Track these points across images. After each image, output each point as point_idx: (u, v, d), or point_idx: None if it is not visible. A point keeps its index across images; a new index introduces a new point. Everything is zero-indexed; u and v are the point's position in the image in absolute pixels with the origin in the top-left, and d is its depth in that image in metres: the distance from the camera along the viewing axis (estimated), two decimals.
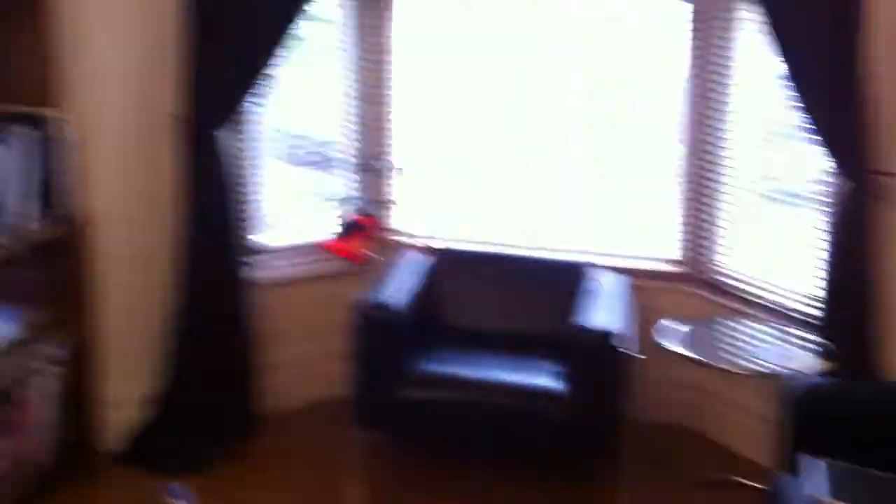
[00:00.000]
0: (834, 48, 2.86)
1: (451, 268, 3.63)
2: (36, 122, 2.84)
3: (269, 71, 3.22)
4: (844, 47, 2.83)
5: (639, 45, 3.73)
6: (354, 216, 3.70)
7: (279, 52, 3.21)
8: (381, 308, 3.15)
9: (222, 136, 3.22)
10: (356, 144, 3.79)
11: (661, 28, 3.64)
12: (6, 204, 2.76)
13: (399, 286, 3.34)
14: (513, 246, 3.77)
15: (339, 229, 3.67)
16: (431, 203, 3.93)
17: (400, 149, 3.82)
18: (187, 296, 3.28)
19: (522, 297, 3.55)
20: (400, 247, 3.78)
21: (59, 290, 3.06)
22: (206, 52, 3.12)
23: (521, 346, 3.33)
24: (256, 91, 3.24)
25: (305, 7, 3.21)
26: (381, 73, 3.74)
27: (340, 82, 3.74)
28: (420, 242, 3.78)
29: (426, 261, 3.61)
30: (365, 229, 3.66)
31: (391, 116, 3.78)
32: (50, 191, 2.93)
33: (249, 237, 3.44)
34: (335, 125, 3.79)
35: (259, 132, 3.54)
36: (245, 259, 3.39)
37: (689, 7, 3.46)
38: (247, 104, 3.27)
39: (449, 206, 3.96)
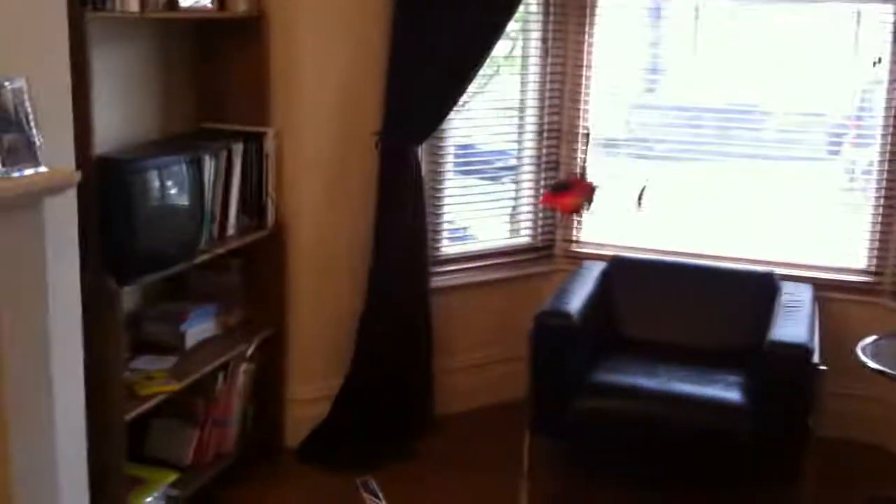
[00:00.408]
0: None
1: (631, 277, 3.57)
2: (247, 138, 3.12)
3: (468, 87, 3.36)
4: None
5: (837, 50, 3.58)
6: (565, 178, 3.80)
7: (479, 69, 3.34)
8: (560, 315, 3.12)
9: (418, 150, 3.37)
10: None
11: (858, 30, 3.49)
12: (213, 212, 2.98)
13: (579, 295, 3.30)
14: (695, 255, 3.68)
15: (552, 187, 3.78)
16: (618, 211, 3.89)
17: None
18: (374, 301, 3.39)
19: (704, 307, 3.45)
20: (583, 257, 3.78)
21: (255, 292, 3.24)
22: (409, 72, 3.26)
23: (701, 359, 3.22)
24: (456, 107, 3.39)
25: (507, 24, 3.34)
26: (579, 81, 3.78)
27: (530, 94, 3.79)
28: (604, 251, 3.77)
29: (606, 270, 3.57)
30: (575, 187, 3.71)
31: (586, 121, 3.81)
32: (252, 200, 3.15)
33: (435, 246, 3.57)
34: (520, 135, 3.84)
35: (448, 144, 3.65)
36: (430, 268, 3.50)
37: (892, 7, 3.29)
38: (445, 120, 3.41)
39: (633, 214, 3.89)
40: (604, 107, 3.82)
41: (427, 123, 3.38)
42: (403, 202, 3.35)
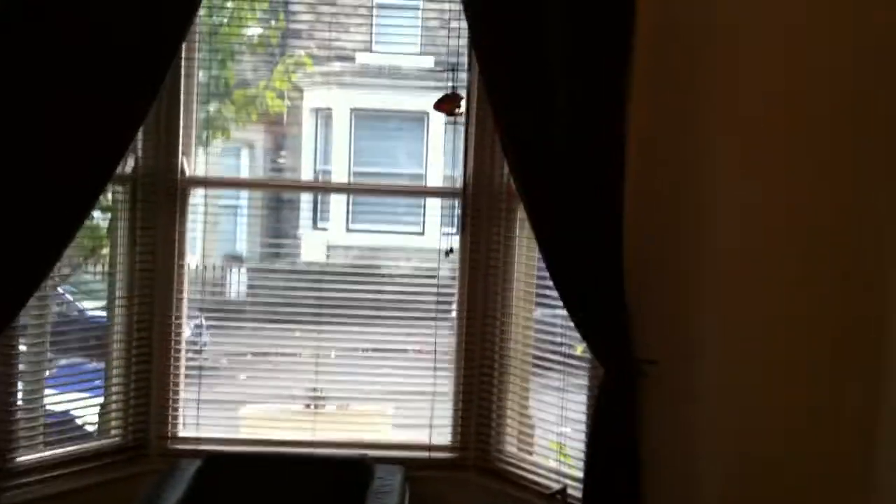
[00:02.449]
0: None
1: (226, 473, 3.39)
2: None
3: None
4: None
5: None
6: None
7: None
8: None
9: None
10: None
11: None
12: None
13: (167, 500, 3.09)
14: (294, 443, 3.62)
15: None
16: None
17: None
18: None
19: (297, 499, 3.37)
20: (179, 454, 3.53)
21: None
22: None
23: None
24: None
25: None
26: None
27: None
28: (201, 445, 3.56)
29: (200, 468, 3.38)
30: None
31: None
32: None
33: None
34: None
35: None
36: None
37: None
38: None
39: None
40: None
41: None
42: None
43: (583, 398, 3.23)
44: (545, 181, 2.96)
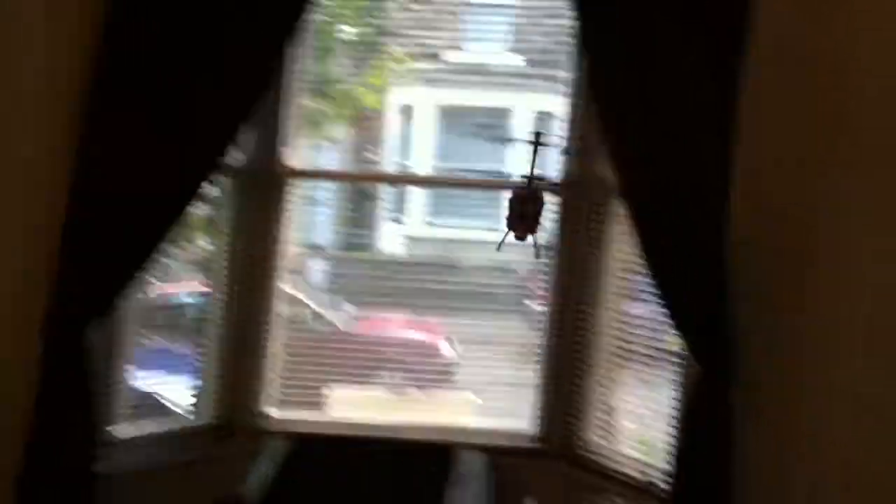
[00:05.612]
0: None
1: (313, 456, 3.48)
2: None
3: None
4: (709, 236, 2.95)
5: None
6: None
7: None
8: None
9: None
10: None
11: None
12: None
13: (258, 478, 3.19)
14: (378, 427, 3.71)
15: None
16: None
17: None
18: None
19: (383, 484, 3.42)
20: (266, 434, 3.64)
21: None
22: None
23: None
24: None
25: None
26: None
27: None
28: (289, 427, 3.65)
29: (288, 450, 3.48)
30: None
31: None
32: None
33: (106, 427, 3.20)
34: None
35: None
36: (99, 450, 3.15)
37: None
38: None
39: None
40: None
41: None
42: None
43: (672, 395, 3.27)
44: (649, 181, 3.03)
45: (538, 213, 3.31)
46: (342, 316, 4.03)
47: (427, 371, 3.90)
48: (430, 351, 3.95)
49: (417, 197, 4.11)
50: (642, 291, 3.37)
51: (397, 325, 4.03)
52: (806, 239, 2.85)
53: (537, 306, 3.73)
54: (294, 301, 3.80)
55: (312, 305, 3.98)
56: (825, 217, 2.80)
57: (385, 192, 4.28)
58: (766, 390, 2.93)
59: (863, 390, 2.67)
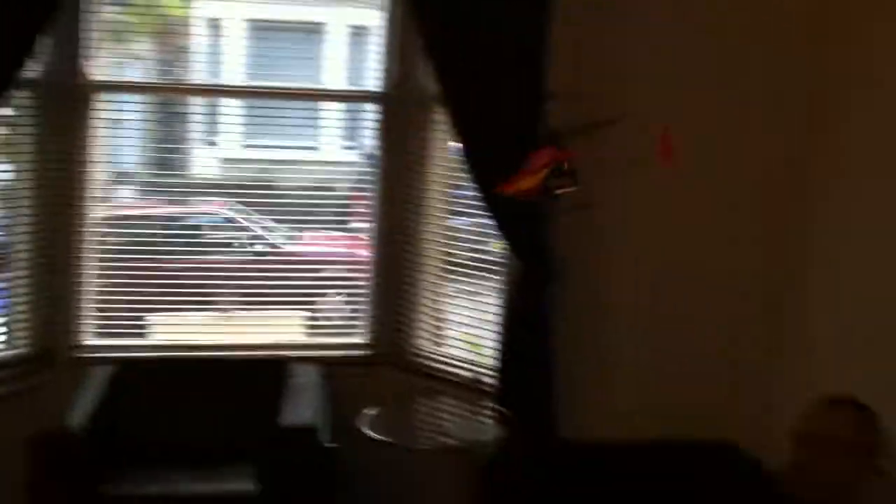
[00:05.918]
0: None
1: (141, 381, 3.44)
2: None
3: None
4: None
5: None
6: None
7: None
8: (59, 432, 2.90)
9: None
10: None
11: None
12: None
13: (83, 406, 3.11)
14: (205, 347, 3.66)
15: None
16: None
17: None
18: None
19: (216, 403, 3.44)
20: (89, 363, 3.52)
21: None
22: None
23: (215, 455, 3.23)
24: None
25: None
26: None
27: None
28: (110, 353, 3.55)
29: (113, 375, 3.39)
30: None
31: None
32: None
33: None
34: None
35: None
36: None
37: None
38: None
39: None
40: None
41: None
42: None
43: (497, 300, 3.42)
44: (469, 85, 3.11)
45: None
46: None
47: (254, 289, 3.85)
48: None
49: (232, 119, 3.97)
50: (464, 205, 3.50)
51: None
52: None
53: (361, 223, 3.78)
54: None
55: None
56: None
57: (197, 109, 4.11)
58: (574, 278, 3.18)
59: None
